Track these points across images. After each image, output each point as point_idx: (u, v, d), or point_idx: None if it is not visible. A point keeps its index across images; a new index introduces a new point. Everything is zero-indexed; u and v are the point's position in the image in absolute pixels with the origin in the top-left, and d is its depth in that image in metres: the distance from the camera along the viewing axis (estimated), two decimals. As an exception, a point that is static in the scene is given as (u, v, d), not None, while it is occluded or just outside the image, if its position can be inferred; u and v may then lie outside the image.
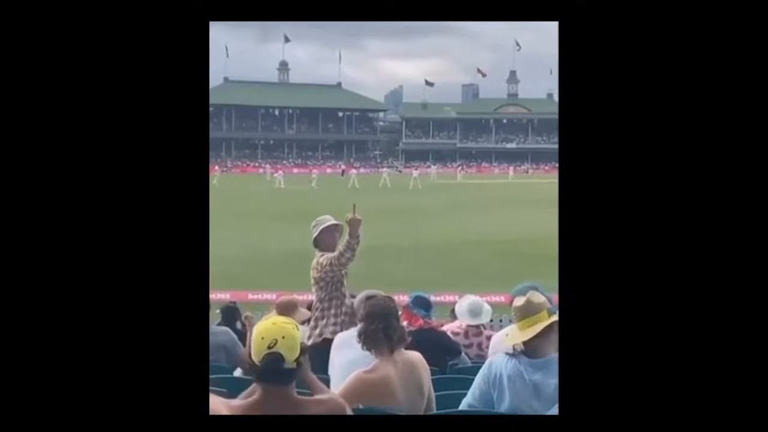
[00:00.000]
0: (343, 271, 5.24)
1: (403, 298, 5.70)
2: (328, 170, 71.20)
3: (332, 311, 5.22)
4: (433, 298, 5.42)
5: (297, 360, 2.45)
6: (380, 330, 3.16)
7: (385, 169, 63.95)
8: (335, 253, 5.14)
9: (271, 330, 2.49)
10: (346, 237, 5.13)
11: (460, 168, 70.61)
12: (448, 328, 5.44)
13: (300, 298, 5.86)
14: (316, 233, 5.35)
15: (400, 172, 73.82)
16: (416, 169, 60.33)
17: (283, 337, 2.47)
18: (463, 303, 5.46)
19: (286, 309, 5.10)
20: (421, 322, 4.94)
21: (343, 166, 73.74)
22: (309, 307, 5.45)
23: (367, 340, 3.18)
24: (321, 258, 5.23)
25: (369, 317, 3.22)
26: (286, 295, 5.93)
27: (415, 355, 3.26)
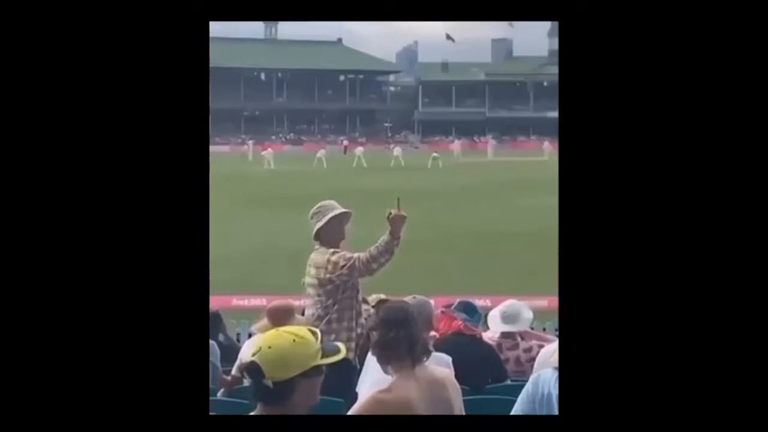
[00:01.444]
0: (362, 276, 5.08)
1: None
2: (327, 147, 66.15)
3: (344, 324, 5.05)
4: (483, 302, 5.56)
5: (277, 380, 2.45)
6: (398, 339, 3.15)
7: (397, 146, 62.85)
8: (364, 255, 4.93)
9: (266, 337, 2.56)
10: (384, 237, 4.90)
11: (489, 143, 68.29)
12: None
13: (296, 303, 5.71)
14: (320, 223, 5.14)
15: (416, 148, 72.96)
16: (436, 145, 60.27)
17: (270, 347, 2.50)
18: (498, 307, 5.45)
19: (280, 317, 5.07)
20: (459, 323, 4.93)
21: (345, 142, 71.59)
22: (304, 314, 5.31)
23: (383, 352, 3.18)
24: (334, 256, 4.99)
25: (384, 325, 3.22)
26: (279, 299, 5.75)
27: (443, 372, 3.28)
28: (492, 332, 5.38)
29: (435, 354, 3.58)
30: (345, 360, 4.19)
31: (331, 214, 5.17)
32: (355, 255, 5.02)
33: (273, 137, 79.89)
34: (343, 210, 5.25)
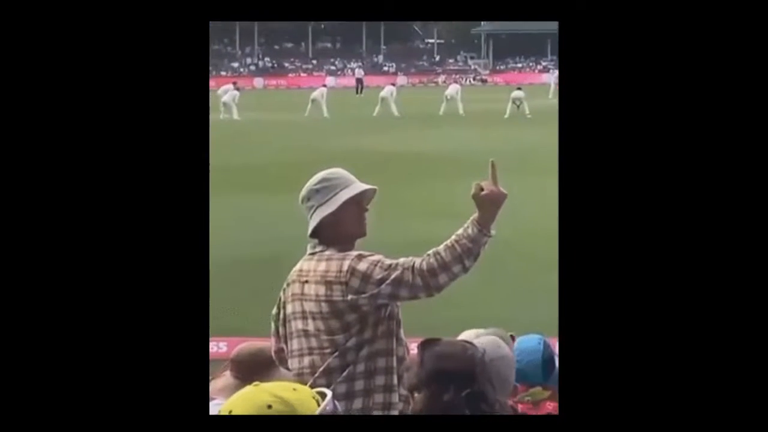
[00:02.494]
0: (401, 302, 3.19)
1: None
2: (327, 81, 44.17)
3: (378, 381, 3.15)
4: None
5: None
6: (458, 407, 2.18)
7: (451, 79, 38.40)
8: (426, 260, 3.06)
9: (230, 401, 1.83)
10: (464, 229, 3.07)
11: None
12: None
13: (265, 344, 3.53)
14: (326, 210, 3.22)
15: (484, 82, 48.96)
16: (516, 78, 36.69)
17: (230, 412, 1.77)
18: None
19: (254, 368, 3.47)
20: (550, 406, 3.18)
21: (359, 72, 44.93)
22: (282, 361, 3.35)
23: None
24: (362, 263, 3.13)
25: (436, 377, 2.23)
26: (246, 342, 4.00)
27: None
28: None
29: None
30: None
31: (345, 195, 3.24)
32: (403, 261, 3.14)
33: (235, 64, 50.92)
34: (366, 186, 3.32)
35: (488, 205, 3.06)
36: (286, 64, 51.86)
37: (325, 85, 36.08)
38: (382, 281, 3.08)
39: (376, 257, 3.17)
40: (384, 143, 21.25)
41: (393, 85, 35.46)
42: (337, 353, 3.15)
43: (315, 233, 3.29)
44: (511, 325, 3.47)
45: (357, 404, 3.15)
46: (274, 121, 28.26)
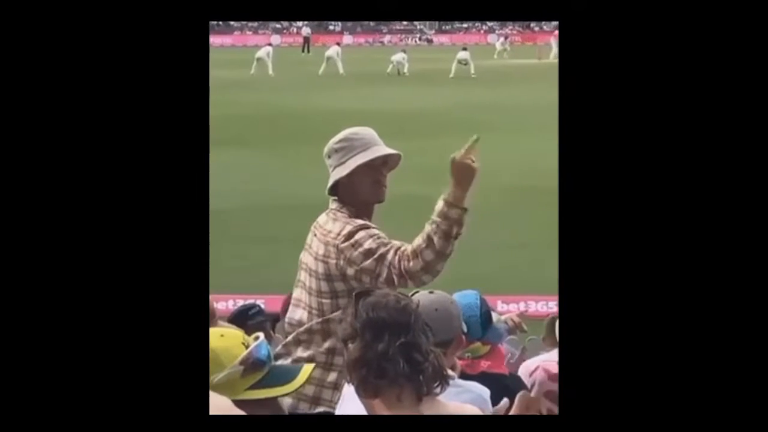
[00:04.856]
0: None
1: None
2: (273, 39, 42.88)
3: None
4: (501, 306, 3.76)
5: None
6: (393, 356, 2.15)
7: (396, 41, 37.54)
8: (411, 247, 2.97)
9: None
10: (438, 206, 2.97)
11: (555, 35, 37.68)
12: (542, 372, 3.61)
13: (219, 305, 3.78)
14: (343, 171, 3.15)
15: (430, 42, 47.78)
16: (463, 38, 35.43)
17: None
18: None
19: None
20: (484, 364, 3.28)
21: (305, 30, 43.83)
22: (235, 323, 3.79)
23: (367, 376, 2.17)
24: (360, 233, 3.05)
25: (369, 330, 2.19)
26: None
27: (469, 411, 2.35)
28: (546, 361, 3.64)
29: (465, 384, 2.70)
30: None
31: (360, 159, 3.15)
32: (397, 243, 3.05)
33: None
34: (385, 151, 3.21)
35: (459, 175, 2.96)
36: (232, 22, 51.00)
37: (270, 44, 36.57)
38: (369, 253, 3.01)
39: (377, 231, 3.09)
40: (328, 102, 21.53)
41: (338, 44, 34.92)
42: (321, 320, 3.15)
43: (332, 191, 3.24)
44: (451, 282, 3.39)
45: (332, 377, 3.15)
46: (218, 77, 28.20)
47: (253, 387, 2.08)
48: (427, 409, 2.15)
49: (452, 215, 2.92)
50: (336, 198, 3.22)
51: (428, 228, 2.95)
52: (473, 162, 2.94)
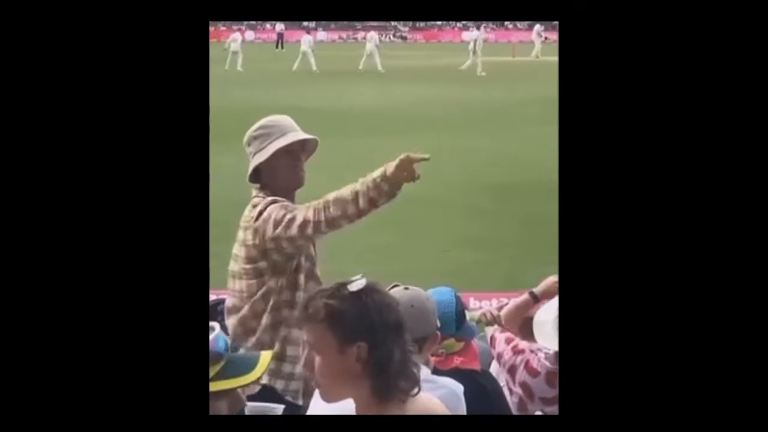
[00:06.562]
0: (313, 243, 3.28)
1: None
2: (246, 34, 43.37)
3: (283, 333, 3.32)
4: (474, 303, 3.91)
5: None
6: (359, 350, 2.09)
7: (372, 35, 34.03)
8: (323, 201, 3.08)
9: None
10: (371, 176, 3.06)
11: (535, 31, 35.54)
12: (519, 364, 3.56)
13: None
14: (262, 156, 3.26)
15: (404, 39, 47.62)
16: (436, 36, 36.34)
17: None
18: (549, 311, 3.52)
19: None
20: (457, 360, 3.27)
21: (280, 26, 45.65)
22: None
23: (389, 379, 2.08)
24: (271, 209, 3.16)
25: (384, 332, 2.11)
26: None
27: (436, 406, 2.27)
28: (542, 353, 3.56)
29: (438, 379, 2.69)
30: (269, 388, 3.22)
31: (278, 144, 3.26)
32: (308, 205, 3.17)
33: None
34: (301, 136, 3.32)
35: (402, 169, 3.01)
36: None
37: (244, 39, 34.69)
38: (278, 222, 3.11)
39: (286, 203, 3.21)
40: (301, 98, 21.19)
41: (308, 33, 32.44)
42: (249, 303, 3.29)
43: (252, 178, 3.36)
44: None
45: (277, 348, 3.30)
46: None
47: (213, 379, 2.12)
48: (397, 408, 2.10)
49: (389, 192, 3.02)
50: (258, 186, 3.34)
51: (360, 187, 3.04)
52: (414, 174, 3.02)
